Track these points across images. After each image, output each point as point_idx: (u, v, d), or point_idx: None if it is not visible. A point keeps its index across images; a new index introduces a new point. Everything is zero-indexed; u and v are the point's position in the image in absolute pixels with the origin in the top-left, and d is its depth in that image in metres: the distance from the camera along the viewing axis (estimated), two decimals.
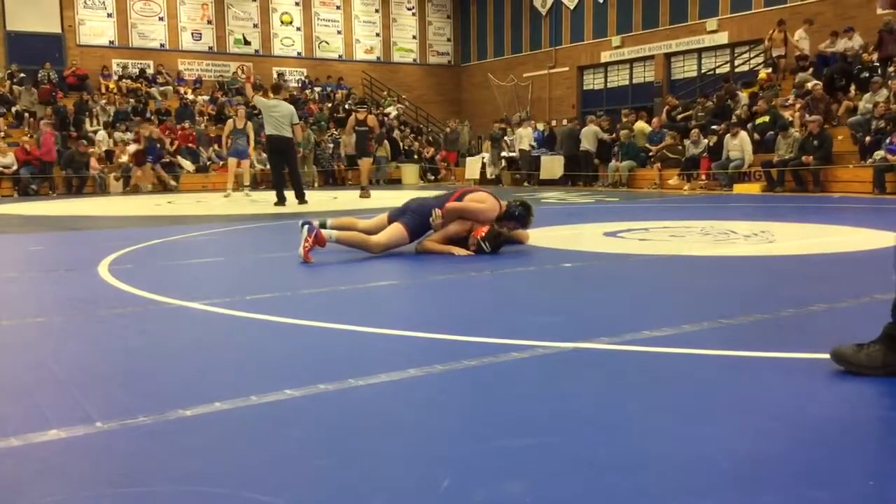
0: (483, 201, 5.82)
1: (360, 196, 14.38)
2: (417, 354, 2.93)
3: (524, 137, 19.50)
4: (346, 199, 14.15)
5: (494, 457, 1.91)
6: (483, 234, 5.65)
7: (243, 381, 2.57)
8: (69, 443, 2.05)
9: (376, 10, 28.21)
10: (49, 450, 2.01)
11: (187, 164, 20.39)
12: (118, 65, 23.96)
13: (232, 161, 15.04)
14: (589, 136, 18.23)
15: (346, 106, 24.44)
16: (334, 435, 2.08)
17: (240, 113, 15.44)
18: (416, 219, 5.82)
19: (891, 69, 15.01)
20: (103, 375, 2.73)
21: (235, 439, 2.07)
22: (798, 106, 15.45)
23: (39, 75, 21.94)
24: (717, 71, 20.66)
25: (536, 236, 6.54)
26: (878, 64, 15.52)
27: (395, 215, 5.95)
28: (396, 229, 5.76)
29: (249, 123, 15.02)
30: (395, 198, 13.15)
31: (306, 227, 5.55)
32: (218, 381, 2.62)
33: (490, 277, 4.88)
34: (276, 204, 12.25)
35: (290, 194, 12.45)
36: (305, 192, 12.71)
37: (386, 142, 21.91)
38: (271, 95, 12.97)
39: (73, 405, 2.38)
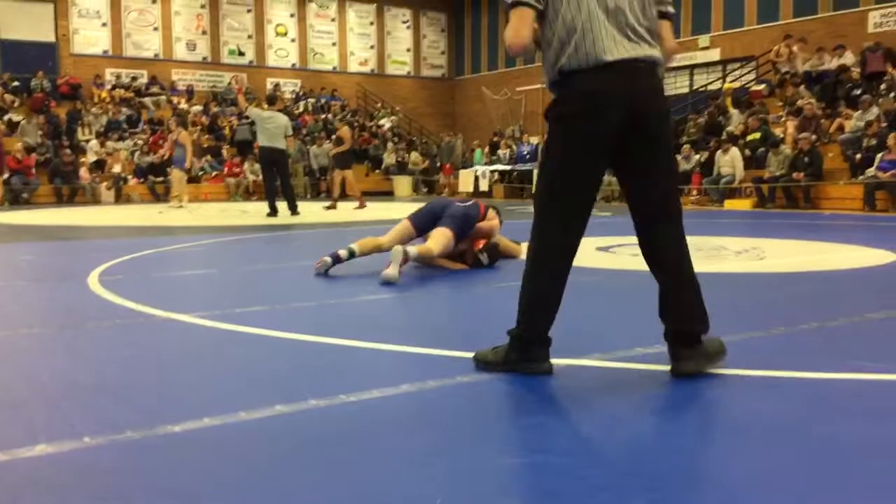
0: (493, 218, 6.01)
1: (328, 208, 14.29)
2: (410, 370, 2.92)
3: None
4: (339, 210, 14.12)
5: (488, 475, 1.90)
6: (481, 246, 5.73)
7: (232, 396, 2.55)
8: (56, 457, 2.03)
9: (371, 23, 28.29)
10: (36, 464, 1.98)
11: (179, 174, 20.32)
12: (112, 74, 23.93)
13: (178, 172, 15.00)
14: None
15: (330, 117, 24.43)
16: (324, 452, 2.06)
17: (173, 124, 15.57)
18: (460, 223, 5.62)
19: (882, 87, 15.14)
20: (92, 389, 2.71)
21: (224, 455, 2.05)
22: (790, 123, 15.54)
23: (32, 84, 21.89)
24: (709, 87, 20.78)
25: None
26: (863, 82, 15.67)
27: (424, 223, 5.73)
28: (448, 236, 5.51)
29: (184, 133, 15.01)
30: (388, 209, 13.17)
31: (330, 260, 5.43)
32: (207, 395, 2.60)
33: (484, 292, 4.87)
34: (268, 215, 12.23)
35: (282, 206, 12.44)
36: (297, 203, 12.70)
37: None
38: (265, 106, 12.98)
39: (61, 419, 2.35)
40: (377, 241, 5.70)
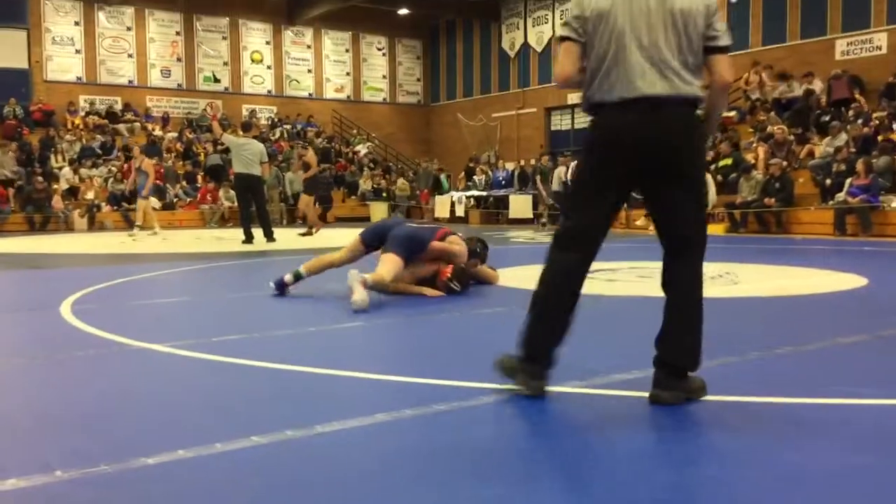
0: (458, 243, 5.93)
1: (304, 234, 14.10)
2: (386, 399, 2.91)
3: (558, 177, 18.81)
4: (317, 236, 14.08)
5: None
6: (449, 274, 5.72)
7: (208, 428, 2.52)
8: (27, 492, 1.99)
9: (347, 50, 28.42)
10: (6, 499, 1.95)
11: (154, 201, 20.20)
12: (85, 101, 23.80)
13: (143, 201, 14.79)
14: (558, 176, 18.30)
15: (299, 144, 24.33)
16: (300, 485, 2.05)
17: (135, 152, 15.44)
18: (407, 248, 5.63)
19: (850, 114, 15.43)
20: (64, 421, 2.67)
21: (198, 490, 2.03)
22: (761, 149, 15.77)
23: (5, 111, 21.70)
24: None
25: (506, 276, 6.56)
26: (831, 109, 15.97)
27: (372, 239, 5.81)
28: (395, 260, 5.54)
29: (147, 161, 14.88)
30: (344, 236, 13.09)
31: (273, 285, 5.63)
32: (182, 427, 2.57)
33: (460, 319, 4.87)
34: (244, 242, 12.16)
35: (258, 232, 12.38)
36: (273, 229, 12.65)
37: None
38: (240, 133, 12.96)
39: (33, 453, 2.31)
40: (329, 258, 5.94)
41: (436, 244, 5.78)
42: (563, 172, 18.05)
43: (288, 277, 5.75)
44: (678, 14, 2.66)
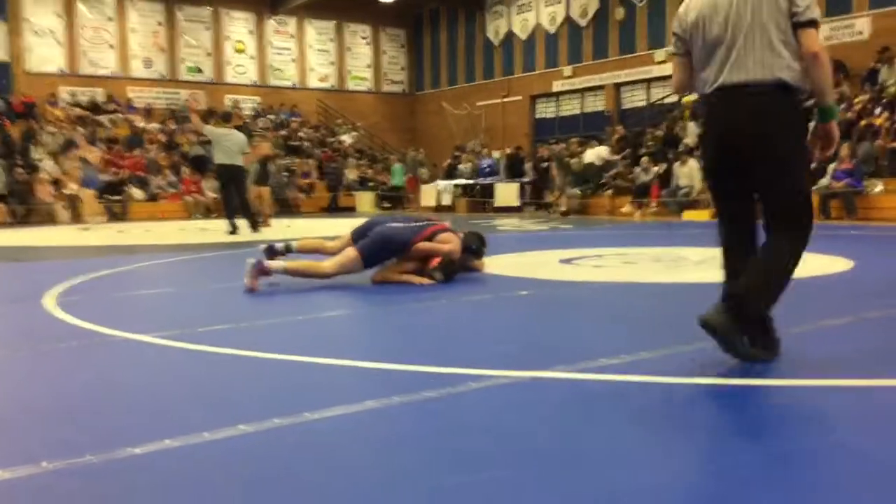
0: (449, 241, 5.79)
1: (261, 226, 13.57)
2: (374, 386, 2.90)
3: (589, 156, 18.78)
4: (301, 226, 14.03)
5: (453, 493, 1.89)
6: (437, 263, 5.65)
7: (195, 417, 2.51)
8: (12, 484, 1.98)
9: (331, 40, 28.26)
10: None
11: (137, 193, 20.09)
12: (67, 92, 23.56)
13: (89, 191, 14.51)
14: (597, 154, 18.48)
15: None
16: (289, 473, 2.04)
17: (79, 139, 15.12)
18: (376, 247, 5.67)
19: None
20: (49, 412, 2.64)
21: (186, 479, 2.02)
22: None
23: None
24: (666, 101, 21.10)
25: (492, 264, 6.56)
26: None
27: (356, 237, 5.87)
28: (350, 256, 5.65)
29: (92, 150, 14.60)
30: (338, 226, 13.08)
31: (252, 260, 5.60)
32: (169, 416, 2.55)
33: (447, 306, 4.87)
34: (229, 233, 12.11)
35: (242, 223, 12.33)
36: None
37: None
38: (221, 124, 12.92)
39: (18, 444, 2.29)
40: (324, 244, 6.19)
41: (422, 245, 5.69)
42: (601, 151, 18.05)
43: (280, 246, 6.08)
44: (758, 2, 2.90)
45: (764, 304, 2.99)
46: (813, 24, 2.88)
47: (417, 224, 5.91)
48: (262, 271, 5.51)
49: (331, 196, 23.00)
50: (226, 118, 13.35)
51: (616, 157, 17.95)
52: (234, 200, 12.39)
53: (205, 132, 12.82)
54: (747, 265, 3.04)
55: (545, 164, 18.61)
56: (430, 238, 5.76)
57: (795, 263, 3.02)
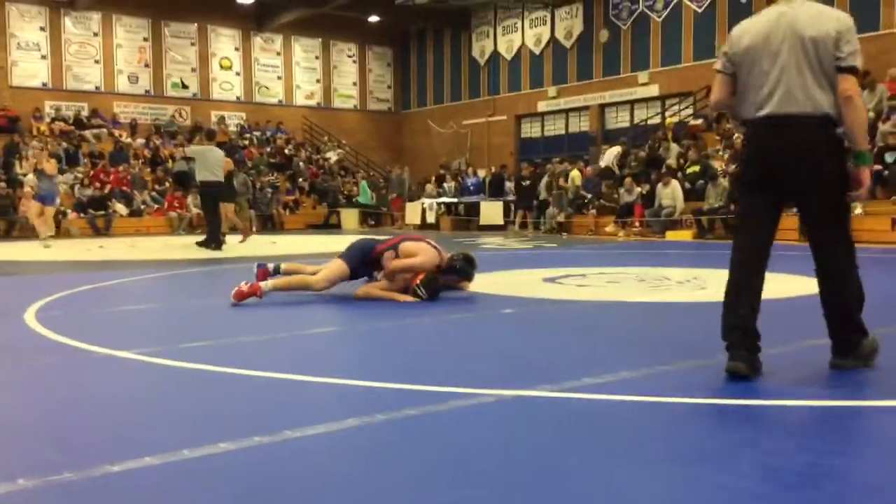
0: (416, 252, 5.70)
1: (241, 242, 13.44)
2: (357, 404, 2.89)
3: (607, 156, 18.94)
4: (286, 243, 13.99)
5: None
6: (419, 280, 5.64)
7: (175, 435, 2.49)
8: None
9: (317, 57, 28.32)
10: None
11: (121, 208, 19.98)
12: (51, 107, 23.45)
13: (36, 206, 14.14)
14: (609, 156, 18.54)
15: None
16: (270, 491, 2.02)
17: (44, 155, 14.82)
18: (357, 255, 5.84)
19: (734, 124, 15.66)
20: (27, 429, 2.62)
21: (166, 497, 2.00)
22: (727, 156, 15.97)
23: None
24: (649, 122, 21.28)
25: (476, 282, 6.55)
26: None
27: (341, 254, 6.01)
28: (336, 265, 5.80)
29: (50, 162, 14.30)
30: (322, 243, 13.06)
31: (256, 267, 5.91)
32: (148, 434, 2.53)
33: (430, 324, 4.86)
34: (214, 248, 12.09)
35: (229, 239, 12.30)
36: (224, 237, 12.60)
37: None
38: (204, 141, 12.99)
39: None
40: (303, 268, 6.21)
41: (396, 263, 5.65)
42: (615, 153, 18.14)
43: (272, 266, 6.17)
44: (808, 42, 3.13)
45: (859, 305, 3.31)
46: (852, 70, 3.13)
47: (386, 237, 6.09)
48: (254, 289, 5.58)
49: (328, 212, 22.93)
50: (210, 135, 13.37)
51: (619, 171, 17.99)
52: (218, 216, 12.41)
53: (188, 153, 12.77)
54: (758, 283, 3.35)
55: (526, 183, 18.68)
56: (395, 247, 5.73)
57: (856, 266, 3.32)
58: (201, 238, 12.77)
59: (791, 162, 3.17)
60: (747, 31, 3.30)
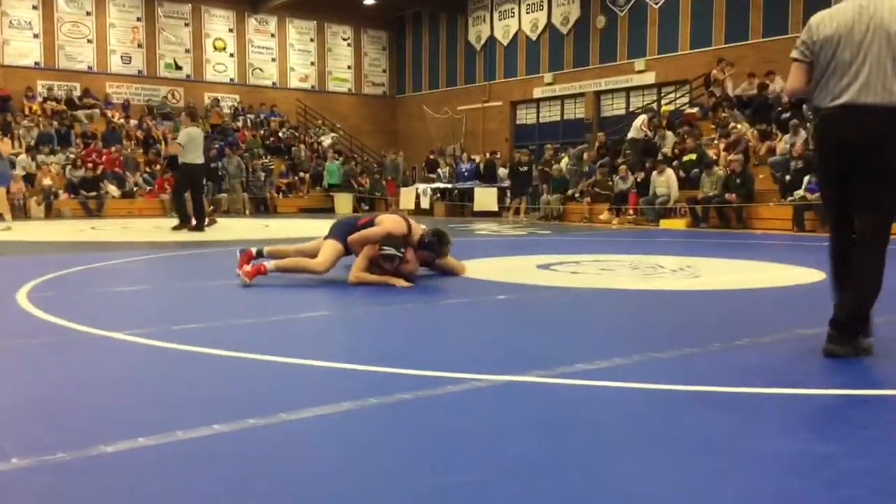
0: (381, 223, 5.85)
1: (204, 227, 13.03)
2: (351, 387, 2.89)
3: (635, 126, 18.26)
4: (278, 227, 13.97)
5: (428, 495, 1.89)
6: (378, 250, 5.63)
7: (169, 416, 2.49)
8: None
9: (311, 40, 28.17)
10: None
11: (113, 189, 19.89)
12: (43, 86, 23.29)
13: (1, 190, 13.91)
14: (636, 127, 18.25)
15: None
16: (264, 473, 2.02)
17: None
18: (343, 231, 5.93)
19: (807, 112, 15.67)
20: (20, 409, 2.61)
21: (159, 478, 2.00)
22: (722, 145, 15.98)
23: None
24: (645, 109, 21.26)
25: (470, 268, 6.56)
26: (791, 107, 16.21)
27: (327, 235, 6.06)
28: (332, 246, 5.86)
29: (7, 142, 14.21)
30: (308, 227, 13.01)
31: (238, 252, 5.73)
32: (142, 415, 2.53)
33: (424, 309, 4.86)
34: (203, 228, 12.20)
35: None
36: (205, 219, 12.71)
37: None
38: (189, 121, 13.08)
39: None
40: (288, 248, 6.23)
41: (353, 237, 5.81)
42: (642, 122, 18.00)
43: (254, 250, 6.14)
44: (894, 36, 3.23)
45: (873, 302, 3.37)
46: None
47: (360, 216, 6.24)
48: (258, 271, 5.63)
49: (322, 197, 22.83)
50: (194, 116, 13.48)
51: (650, 132, 17.68)
52: (202, 197, 12.68)
53: (181, 141, 12.49)
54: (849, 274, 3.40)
55: (524, 169, 18.63)
56: (371, 222, 5.88)
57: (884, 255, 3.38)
58: (177, 222, 12.71)
59: (862, 150, 3.26)
60: (827, 21, 3.37)
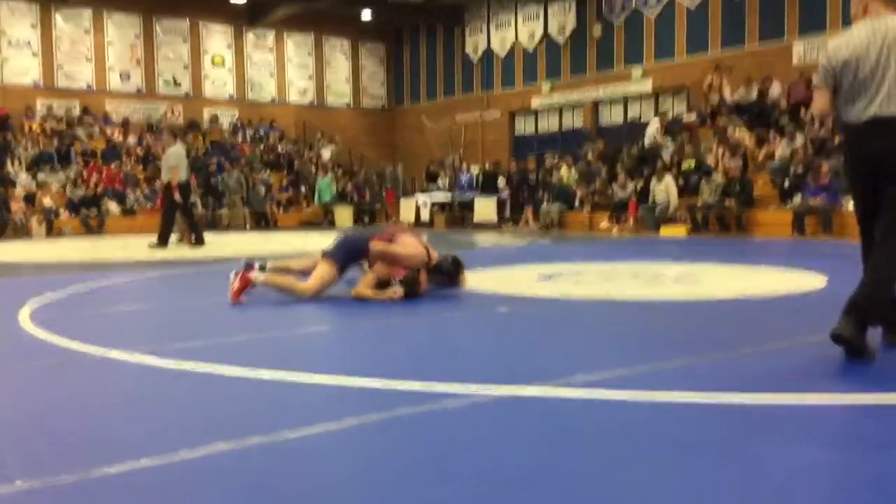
0: (407, 245, 5.74)
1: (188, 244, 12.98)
2: (352, 403, 2.89)
3: (650, 135, 18.34)
4: (279, 241, 13.97)
5: None
6: (402, 276, 5.60)
7: (172, 435, 2.49)
8: None
9: (309, 53, 28.24)
10: None
11: (113, 207, 19.92)
12: (43, 105, 23.35)
13: None
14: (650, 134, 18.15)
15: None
16: (269, 491, 2.02)
17: None
18: (339, 250, 5.76)
19: (807, 116, 15.70)
20: (24, 430, 2.61)
21: (163, 499, 1.99)
22: (721, 151, 16.00)
23: None
24: (643, 118, 21.29)
25: (472, 279, 6.56)
26: (789, 112, 16.24)
27: (326, 252, 5.90)
28: (324, 269, 5.68)
29: None
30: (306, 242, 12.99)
31: (234, 271, 5.59)
32: (145, 435, 2.52)
33: (425, 321, 4.86)
34: (194, 245, 12.35)
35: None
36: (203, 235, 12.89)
37: None
38: (174, 140, 13.17)
39: None
40: (289, 264, 6.11)
41: (376, 244, 5.67)
42: (654, 130, 17.95)
43: (258, 266, 5.88)
44: None
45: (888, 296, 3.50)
46: None
47: (378, 231, 6.03)
48: (245, 281, 5.52)
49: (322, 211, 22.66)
50: (176, 134, 13.68)
51: (668, 139, 17.56)
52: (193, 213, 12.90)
53: (172, 157, 12.42)
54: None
55: (532, 177, 18.63)
56: (389, 240, 5.73)
57: None
58: (199, 235, 12.83)
59: (889, 157, 3.46)
60: (843, 46, 3.62)
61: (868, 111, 3.51)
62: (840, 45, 3.66)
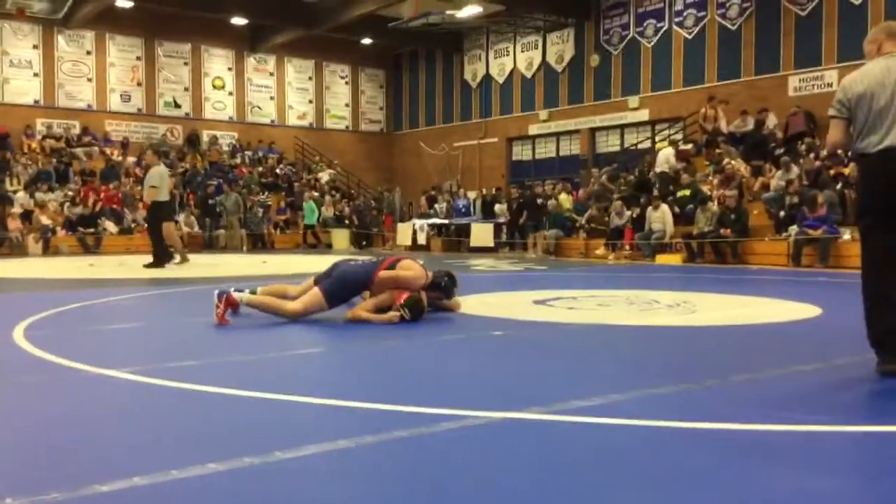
0: (411, 269, 5.82)
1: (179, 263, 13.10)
2: (346, 425, 2.89)
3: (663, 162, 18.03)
4: (276, 263, 13.98)
5: None
6: (403, 300, 5.62)
7: (164, 455, 2.48)
8: None
9: (310, 78, 28.45)
10: None
11: (111, 226, 19.93)
12: (43, 124, 23.44)
13: None
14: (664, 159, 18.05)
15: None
16: None
17: None
18: (336, 286, 5.75)
19: (802, 148, 15.81)
20: (15, 448, 2.60)
21: None
22: (716, 181, 16.09)
23: None
24: (639, 146, 21.43)
25: (467, 304, 6.57)
26: (784, 144, 16.36)
27: (319, 278, 5.93)
28: (314, 296, 5.70)
29: None
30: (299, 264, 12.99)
31: (216, 293, 5.58)
32: (137, 454, 2.52)
33: (420, 345, 4.86)
34: (181, 262, 12.60)
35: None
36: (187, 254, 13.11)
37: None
38: (156, 158, 13.34)
39: None
40: (285, 289, 6.06)
41: (384, 274, 5.71)
42: (669, 154, 17.97)
43: (247, 291, 5.90)
44: None
45: None
46: None
47: (377, 260, 5.98)
48: (230, 304, 5.53)
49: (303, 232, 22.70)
50: (159, 153, 13.89)
51: (682, 165, 17.51)
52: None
53: (154, 178, 12.46)
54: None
55: (539, 202, 18.66)
56: (391, 267, 5.77)
57: None
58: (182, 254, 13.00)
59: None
60: (858, 80, 3.80)
61: (885, 141, 3.66)
62: (855, 79, 3.83)
